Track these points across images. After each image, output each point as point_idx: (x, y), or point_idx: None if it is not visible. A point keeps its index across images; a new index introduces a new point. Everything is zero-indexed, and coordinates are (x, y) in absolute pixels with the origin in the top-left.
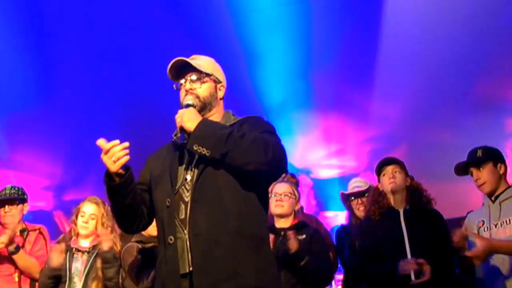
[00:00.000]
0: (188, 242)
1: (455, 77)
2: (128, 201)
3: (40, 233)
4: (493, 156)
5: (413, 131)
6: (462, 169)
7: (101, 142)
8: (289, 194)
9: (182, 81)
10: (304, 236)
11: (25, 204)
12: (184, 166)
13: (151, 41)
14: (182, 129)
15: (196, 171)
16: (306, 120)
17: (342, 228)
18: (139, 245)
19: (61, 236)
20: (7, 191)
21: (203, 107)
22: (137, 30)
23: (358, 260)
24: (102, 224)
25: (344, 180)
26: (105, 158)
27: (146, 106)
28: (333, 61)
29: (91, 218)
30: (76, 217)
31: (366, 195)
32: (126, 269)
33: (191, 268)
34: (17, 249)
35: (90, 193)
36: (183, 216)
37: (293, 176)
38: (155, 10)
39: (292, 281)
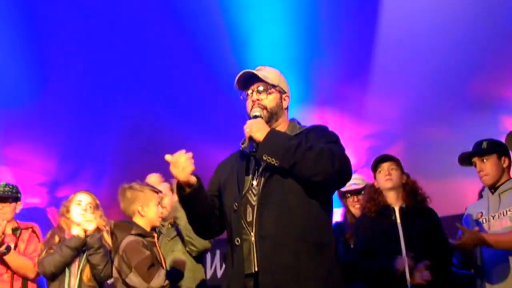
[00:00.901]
0: (254, 243)
1: (452, 74)
2: (200, 209)
3: (33, 231)
4: (498, 149)
5: (410, 129)
6: (466, 159)
7: (168, 157)
8: None
9: (249, 91)
10: None
11: (18, 203)
12: (250, 173)
13: (145, 36)
14: (251, 139)
15: (263, 178)
16: (303, 115)
17: (336, 225)
18: (144, 240)
19: (50, 231)
20: (1, 189)
21: (270, 117)
22: (131, 25)
23: (352, 258)
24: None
25: None
26: (173, 170)
27: (141, 100)
28: (330, 57)
29: (89, 206)
30: (68, 210)
31: (362, 193)
32: (133, 264)
33: (256, 269)
34: (8, 249)
35: (84, 189)
36: (250, 219)
37: None
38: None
39: None
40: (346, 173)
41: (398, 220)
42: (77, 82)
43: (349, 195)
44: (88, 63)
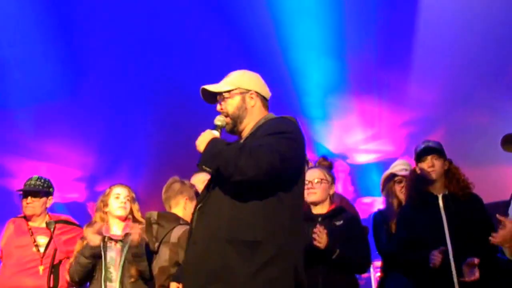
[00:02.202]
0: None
1: (493, 58)
2: None
3: (69, 223)
4: None
5: (450, 114)
6: (511, 141)
7: None
8: (320, 180)
9: (217, 104)
10: (341, 222)
11: (50, 197)
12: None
13: (183, 28)
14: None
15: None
16: (341, 104)
17: (379, 213)
18: None
19: (85, 226)
20: (33, 182)
21: (234, 121)
22: (169, 15)
23: (396, 248)
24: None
25: (381, 165)
26: None
27: (177, 93)
28: (369, 43)
29: (127, 199)
30: (106, 204)
31: None
32: None
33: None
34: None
35: (123, 181)
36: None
37: (325, 159)
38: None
39: (324, 270)
40: (265, 170)
41: (442, 208)
42: (113, 76)
43: (397, 181)
44: (124, 57)
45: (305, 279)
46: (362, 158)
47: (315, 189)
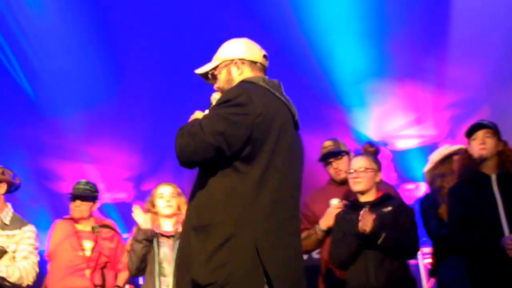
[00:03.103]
0: None
1: None
2: None
3: (113, 229)
4: None
5: (494, 93)
6: None
7: None
8: (365, 169)
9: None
10: (389, 208)
11: (96, 202)
12: None
13: (217, 26)
14: None
15: None
16: (381, 89)
17: (426, 197)
18: None
19: (134, 228)
20: (81, 186)
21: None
22: (206, 19)
23: (449, 230)
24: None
25: (424, 150)
26: None
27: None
28: (406, 26)
29: (172, 196)
30: (153, 205)
31: None
32: None
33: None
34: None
35: (168, 181)
36: None
37: (371, 145)
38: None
39: (378, 257)
40: (181, 152)
41: (496, 189)
42: (156, 77)
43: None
44: (165, 58)
45: (278, 269)
46: (404, 144)
47: (360, 178)
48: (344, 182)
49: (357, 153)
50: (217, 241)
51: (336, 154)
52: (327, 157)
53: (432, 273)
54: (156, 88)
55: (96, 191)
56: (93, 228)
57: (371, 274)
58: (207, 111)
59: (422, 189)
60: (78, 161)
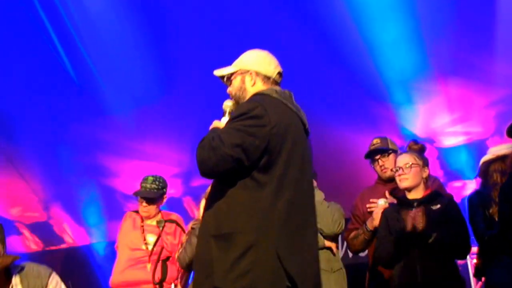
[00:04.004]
0: None
1: None
2: None
3: (177, 225)
4: None
5: None
6: None
7: None
8: (410, 165)
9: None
10: (438, 206)
11: (164, 197)
12: None
13: (272, 32)
14: None
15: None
16: (426, 87)
17: (476, 194)
18: None
19: (190, 223)
20: (148, 185)
21: (237, 101)
22: (260, 18)
23: (499, 228)
24: None
25: (471, 147)
26: None
27: None
28: (449, 23)
29: None
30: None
31: None
32: None
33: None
34: None
35: None
36: None
37: (415, 142)
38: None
39: (422, 256)
40: (203, 164)
41: None
42: (204, 75)
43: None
44: (213, 56)
45: (298, 270)
46: (450, 141)
47: (406, 174)
48: (391, 180)
49: (402, 151)
50: (239, 250)
51: (382, 151)
52: (373, 154)
53: (478, 273)
54: (204, 88)
55: (164, 186)
56: (158, 222)
57: (418, 273)
58: (223, 119)
59: (469, 187)
60: (130, 158)
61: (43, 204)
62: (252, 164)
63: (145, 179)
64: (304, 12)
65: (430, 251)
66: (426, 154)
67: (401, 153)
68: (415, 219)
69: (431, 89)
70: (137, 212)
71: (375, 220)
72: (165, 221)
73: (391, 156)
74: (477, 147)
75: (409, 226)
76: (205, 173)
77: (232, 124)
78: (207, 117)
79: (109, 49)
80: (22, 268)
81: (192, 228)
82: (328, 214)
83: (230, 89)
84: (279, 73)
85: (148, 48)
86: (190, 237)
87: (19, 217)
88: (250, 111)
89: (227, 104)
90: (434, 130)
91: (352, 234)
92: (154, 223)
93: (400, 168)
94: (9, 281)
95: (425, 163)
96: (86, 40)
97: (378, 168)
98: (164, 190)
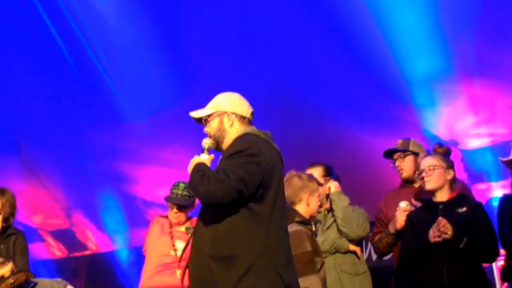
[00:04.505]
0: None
1: None
2: None
3: None
4: None
5: None
6: None
7: None
8: (433, 166)
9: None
10: (464, 209)
11: (194, 204)
12: None
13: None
14: None
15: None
16: (449, 89)
17: (505, 198)
18: (308, 230)
19: None
20: (180, 192)
21: (216, 142)
22: (274, 23)
23: None
24: None
25: (495, 148)
26: None
27: (285, 97)
28: (473, 22)
29: None
30: None
31: None
32: (292, 254)
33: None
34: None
35: None
36: None
37: (440, 145)
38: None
39: (448, 261)
40: (211, 195)
41: None
42: (220, 83)
43: None
44: (230, 63)
45: (291, 281)
46: (474, 143)
47: (429, 176)
48: (409, 181)
49: (426, 154)
50: (241, 269)
51: (395, 151)
52: (387, 154)
53: (504, 276)
54: (224, 91)
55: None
56: (186, 228)
57: (444, 276)
58: (202, 155)
59: (493, 189)
60: (149, 164)
61: (64, 211)
62: (250, 196)
63: (176, 185)
64: (323, 12)
65: (457, 254)
66: (451, 156)
67: (425, 156)
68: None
69: (455, 90)
70: (165, 217)
71: (397, 223)
72: (194, 227)
73: (409, 157)
74: (502, 149)
75: (436, 232)
76: (210, 204)
77: (232, 160)
78: None
79: (125, 56)
80: (35, 285)
81: None
82: (353, 219)
83: (208, 130)
84: (251, 113)
85: (163, 53)
86: None
87: (41, 224)
88: (247, 149)
89: (206, 142)
90: (458, 132)
91: (376, 238)
92: (183, 229)
93: (423, 170)
94: None
95: (450, 165)
96: (101, 49)
97: (396, 168)
98: (195, 198)
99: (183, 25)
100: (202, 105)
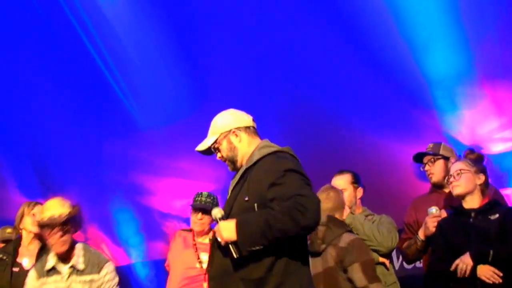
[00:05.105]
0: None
1: None
2: None
3: None
4: None
5: None
6: None
7: None
8: (460, 171)
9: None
10: (496, 215)
11: None
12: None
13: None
14: (228, 243)
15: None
16: (471, 92)
17: None
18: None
19: None
20: (203, 199)
21: (232, 162)
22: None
23: None
24: None
25: None
26: None
27: (304, 106)
28: (496, 24)
29: None
30: None
31: None
32: (360, 261)
33: None
34: None
35: None
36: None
37: (472, 151)
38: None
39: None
40: (314, 217)
41: None
42: (240, 90)
43: None
44: (247, 72)
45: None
46: (498, 147)
47: (457, 181)
48: (439, 186)
49: (457, 159)
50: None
51: (425, 155)
52: (416, 158)
53: None
54: (239, 104)
55: (218, 203)
56: (210, 240)
57: (478, 287)
58: (218, 227)
59: None
60: (166, 175)
61: None
62: None
63: (199, 194)
64: (340, 14)
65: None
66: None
67: (455, 161)
68: (473, 230)
69: (477, 93)
70: (187, 230)
71: (427, 229)
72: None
73: (439, 162)
74: None
75: (467, 238)
76: (316, 224)
77: (289, 179)
78: None
79: (139, 64)
80: (85, 244)
81: None
82: (376, 234)
83: (220, 155)
84: (253, 120)
85: (179, 61)
86: None
87: None
88: (292, 167)
89: (215, 212)
90: (481, 136)
91: (405, 244)
92: (207, 241)
93: (451, 175)
94: (73, 248)
95: (480, 170)
96: (115, 57)
97: (426, 173)
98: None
99: (199, 32)
100: (219, 112)
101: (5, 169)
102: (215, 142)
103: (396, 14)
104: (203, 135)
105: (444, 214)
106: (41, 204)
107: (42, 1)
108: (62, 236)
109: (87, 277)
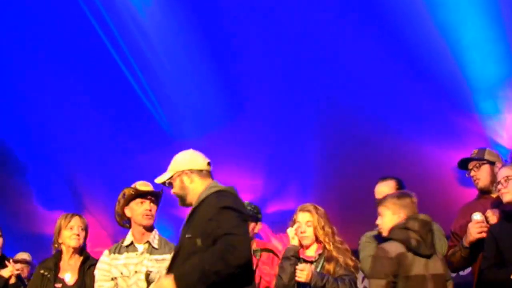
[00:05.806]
0: None
1: None
2: None
3: (275, 254)
4: None
5: None
6: None
7: None
8: (506, 177)
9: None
10: None
11: (259, 223)
12: None
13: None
14: None
15: None
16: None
17: None
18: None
19: (285, 249)
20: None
21: (182, 200)
22: (329, 34)
23: None
24: (322, 228)
25: None
26: None
27: (344, 113)
28: None
29: (307, 225)
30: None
31: None
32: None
33: None
34: None
35: (292, 203)
36: None
37: None
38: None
39: None
40: (241, 257)
41: None
42: (275, 100)
43: None
44: (284, 80)
45: None
46: None
47: (505, 188)
48: (486, 191)
49: (503, 165)
50: None
51: (470, 160)
52: (461, 164)
53: None
54: (278, 112)
55: (258, 212)
56: (254, 251)
57: None
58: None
59: None
60: None
61: (112, 238)
62: None
63: None
64: (381, 19)
65: None
66: None
67: (501, 167)
68: None
69: None
70: None
71: (471, 236)
72: (261, 250)
73: (484, 167)
74: None
75: None
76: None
77: (222, 216)
78: (278, 140)
79: (174, 75)
80: None
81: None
82: (435, 240)
83: (174, 190)
84: (208, 164)
85: (214, 70)
86: (282, 262)
87: (89, 252)
88: (229, 204)
89: (152, 275)
90: None
91: (450, 252)
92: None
93: (499, 182)
94: (151, 231)
95: None
96: (150, 68)
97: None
98: (259, 216)
99: (233, 40)
100: (254, 122)
101: (34, 182)
102: (170, 178)
103: (439, 21)
104: (239, 144)
105: (494, 219)
106: (78, 215)
107: (76, 26)
108: (155, 210)
109: (160, 256)
